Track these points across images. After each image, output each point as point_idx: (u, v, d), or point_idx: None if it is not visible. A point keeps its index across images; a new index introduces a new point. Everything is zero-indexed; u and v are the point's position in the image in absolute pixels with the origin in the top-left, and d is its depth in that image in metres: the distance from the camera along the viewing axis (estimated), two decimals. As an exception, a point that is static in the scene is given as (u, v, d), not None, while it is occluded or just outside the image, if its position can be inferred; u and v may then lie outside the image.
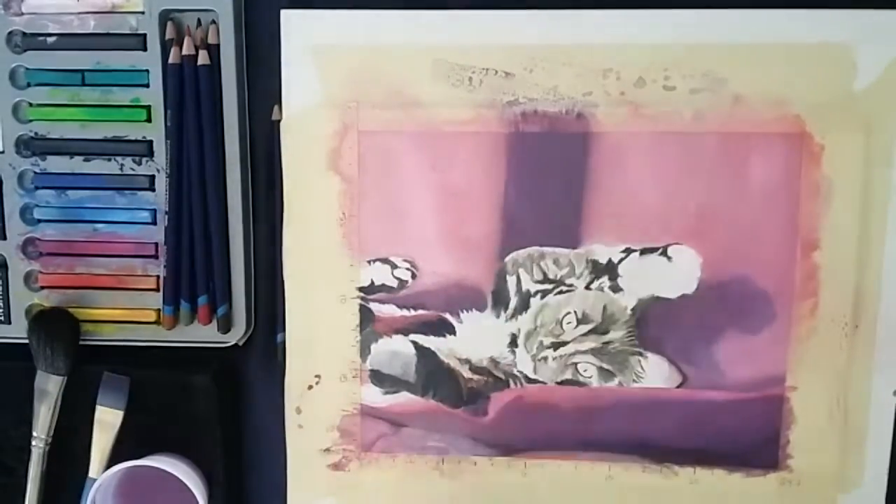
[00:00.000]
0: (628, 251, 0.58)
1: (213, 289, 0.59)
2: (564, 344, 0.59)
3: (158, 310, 0.60)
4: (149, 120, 0.58)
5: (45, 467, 0.60)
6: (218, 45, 0.57)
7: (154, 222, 0.60)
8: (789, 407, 0.59)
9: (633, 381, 0.60)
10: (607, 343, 0.59)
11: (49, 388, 0.60)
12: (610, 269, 0.58)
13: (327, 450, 0.62)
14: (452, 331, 0.60)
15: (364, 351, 0.60)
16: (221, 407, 0.61)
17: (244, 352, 0.62)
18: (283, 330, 0.60)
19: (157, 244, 0.60)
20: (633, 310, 0.59)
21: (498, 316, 0.60)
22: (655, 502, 0.61)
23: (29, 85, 0.59)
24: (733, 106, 0.56)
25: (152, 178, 0.59)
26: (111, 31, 0.58)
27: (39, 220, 0.60)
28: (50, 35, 0.58)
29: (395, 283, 0.60)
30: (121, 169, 0.59)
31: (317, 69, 0.58)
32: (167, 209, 0.58)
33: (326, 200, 0.59)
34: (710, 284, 0.58)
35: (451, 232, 0.59)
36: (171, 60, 0.57)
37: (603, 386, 0.60)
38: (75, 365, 0.60)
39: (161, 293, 0.60)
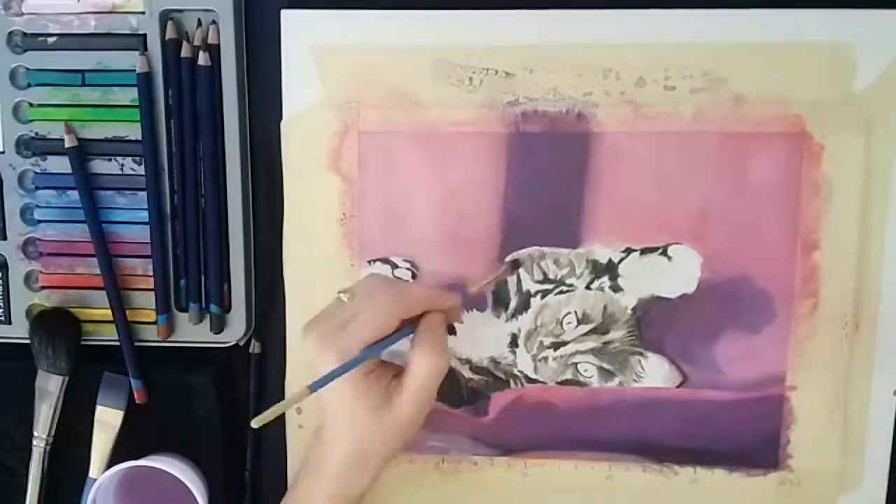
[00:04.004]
0: (628, 251, 0.58)
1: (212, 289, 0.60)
2: (565, 344, 0.59)
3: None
4: (149, 120, 0.59)
5: (45, 467, 0.60)
6: (218, 46, 0.57)
7: (154, 222, 0.60)
8: (789, 407, 0.59)
9: (634, 380, 0.60)
10: (607, 343, 0.59)
11: (50, 387, 0.60)
12: (610, 269, 0.58)
13: (327, 450, 0.62)
14: (453, 331, 0.60)
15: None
16: (221, 407, 0.61)
17: (244, 352, 0.62)
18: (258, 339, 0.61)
19: (157, 244, 0.60)
20: (633, 310, 0.59)
21: (498, 316, 0.60)
22: (655, 502, 0.61)
23: (29, 85, 0.59)
24: (733, 106, 0.56)
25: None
26: (111, 32, 0.58)
27: (40, 221, 0.60)
28: (50, 35, 0.58)
29: (395, 283, 0.60)
30: (121, 169, 0.59)
31: (317, 69, 0.58)
32: (154, 214, 0.59)
33: (326, 200, 0.59)
34: (710, 284, 0.58)
35: (452, 232, 0.59)
36: (173, 63, 0.57)
37: (603, 386, 0.60)
38: (76, 365, 0.60)
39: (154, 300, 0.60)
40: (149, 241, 0.59)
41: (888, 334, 0.58)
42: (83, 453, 0.60)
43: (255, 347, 0.61)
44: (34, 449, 0.60)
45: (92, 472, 0.60)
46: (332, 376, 0.48)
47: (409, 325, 0.51)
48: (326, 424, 0.53)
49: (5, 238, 0.60)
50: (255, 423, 0.46)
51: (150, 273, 0.59)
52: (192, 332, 0.60)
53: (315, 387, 0.47)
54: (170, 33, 0.57)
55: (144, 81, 0.57)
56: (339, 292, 0.52)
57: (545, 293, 0.59)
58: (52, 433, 0.60)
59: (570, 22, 0.56)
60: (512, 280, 0.59)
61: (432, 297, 0.53)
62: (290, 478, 0.62)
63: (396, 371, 0.53)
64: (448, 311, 0.54)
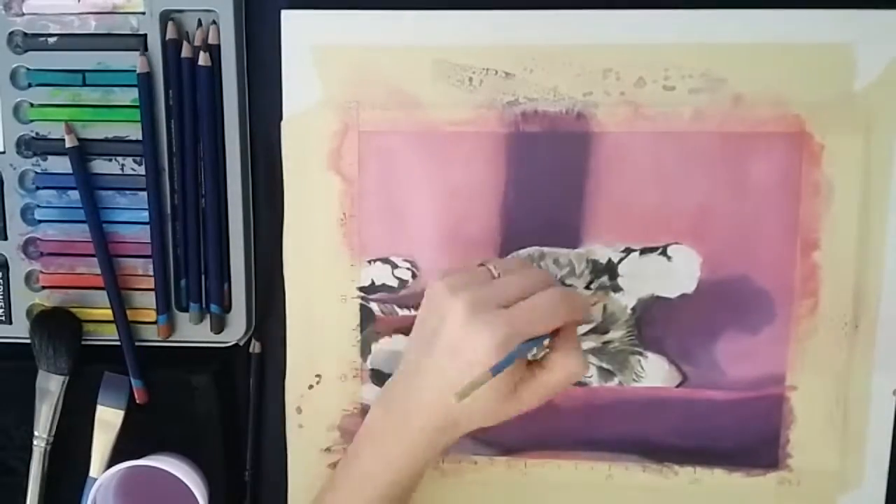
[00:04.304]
0: (628, 251, 0.58)
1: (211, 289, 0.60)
2: (565, 344, 0.59)
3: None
4: (149, 120, 0.59)
5: (46, 467, 0.61)
6: (218, 46, 0.57)
7: (155, 222, 0.60)
8: (789, 406, 0.59)
9: (633, 380, 0.60)
10: (607, 343, 0.59)
11: (51, 387, 0.60)
12: (610, 269, 0.58)
13: (328, 449, 0.62)
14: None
15: (364, 350, 0.61)
16: (221, 407, 0.61)
17: (244, 352, 0.62)
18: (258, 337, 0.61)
19: (157, 244, 0.60)
20: (633, 309, 0.59)
21: (498, 316, 0.59)
22: (655, 502, 0.61)
23: (30, 85, 0.59)
24: (733, 106, 0.56)
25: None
26: (112, 32, 0.58)
27: (40, 221, 0.60)
28: (51, 35, 0.58)
29: (395, 283, 0.60)
30: (121, 169, 0.59)
31: (317, 69, 0.58)
32: (154, 214, 0.59)
33: (326, 200, 0.59)
34: (709, 284, 0.58)
35: (452, 232, 0.59)
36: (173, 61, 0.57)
37: (603, 385, 0.60)
38: (77, 365, 0.60)
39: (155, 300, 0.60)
40: (149, 241, 0.59)
41: (888, 334, 0.58)
42: (83, 453, 0.60)
43: (255, 347, 0.61)
44: (34, 449, 0.60)
45: (92, 472, 0.60)
46: (509, 360, 0.47)
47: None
48: (424, 388, 0.51)
49: (6, 238, 0.60)
50: (456, 399, 0.45)
51: (151, 273, 0.60)
52: (192, 332, 0.60)
53: (496, 370, 0.46)
54: (170, 33, 0.57)
55: (145, 81, 0.57)
56: (485, 263, 0.52)
57: (545, 293, 0.59)
58: (53, 433, 0.60)
59: (570, 22, 0.56)
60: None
61: (587, 307, 0.54)
62: (291, 477, 0.62)
63: (528, 364, 0.52)
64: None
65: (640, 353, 0.59)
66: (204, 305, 0.60)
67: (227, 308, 0.60)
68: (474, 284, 0.50)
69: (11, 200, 0.60)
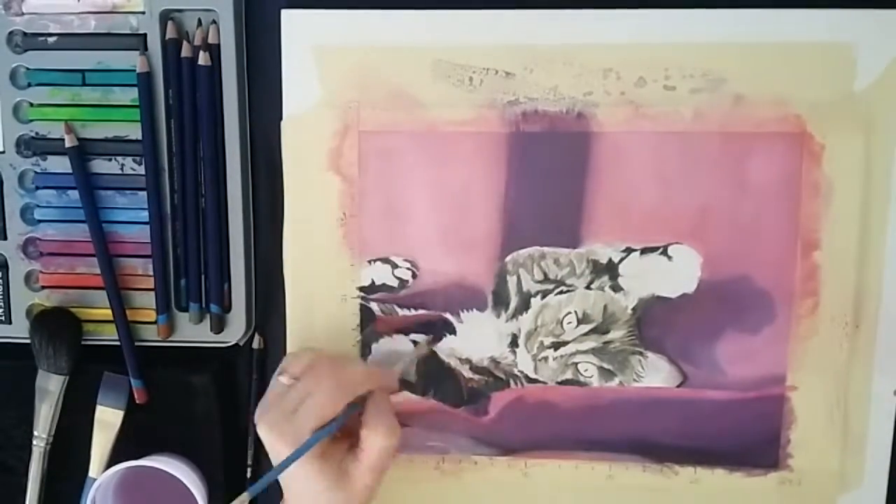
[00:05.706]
0: (629, 251, 0.58)
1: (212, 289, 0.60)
2: (565, 344, 0.59)
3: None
4: (149, 120, 0.58)
5: (45, 466, 0.61)
6: (218, 46, 0.57)
7: (154, 222, 0.60)
8: (790, 406, 0.59)
9: (634, 380, 0.60)
10: (608, 343, 0.59)
11: (50, 387, 0.60)
12: (610, 269, 0.58)
13: (328, 450, 0.62)
14: (453, 330, 0.60)
15: (364, 350, 0.61)
16: (221, 407, 0.61)
17: (244, 352, 0.62)
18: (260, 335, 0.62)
19: (156, 244, 0.60)
20: (633, 309, 0.59)
21: (498, 316, 0.60)
22: (656, 502, 0.61)
23: (29, 85, 0.59)
24: (733, 106, 0.56)
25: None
26: (112, 31, 0.58)
27: (40, 220, 0.60)
28: (50, 35, 0.58)
29: (395, 283, 0.60)
30: (121, 169, 0.59)
31: (317, 69, 0.58)
32: (154, 214, 0.59)
33: (326, 200, 0.59)
34: (710, 284, 0.58)
35: (452, 232, 0.59)
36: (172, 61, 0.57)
37: (603, 386, 0.60)
38: (76, 365, 0.60)
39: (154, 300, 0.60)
40: (149, 240, 0.59)
41: (888, 334, 0.58)
42: (83, 453, 0.60)
43: (257, 343, 0.61)
44: (34, 448, 0.60)
45: (92, 472, 0.60)
46: (284, 465, 0.50)
47: (354, 404, 0.53)
48: (290, 500, 0.54)
49: (5, 238, 0.60)
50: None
51: (151, 273, 0.59)
52: (192, 331, 0.60)
53: (284, 465, 0.50)
54: (170, 33, 0.57)
55: (144, 81, 0.57)
56: (279, 375, 0.54)
57: (545, 293, 0.59)
58: (52, 433, 0.60)
59: (570, 22, 0.56)
60: (512, 280, 0.59)
61: (372, 377, 0.55)
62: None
63: (350, 444, 0.54)
64: (389, 386, 0.58)
65: (641, 353, 0.59)
66: (204, 305, 0.60)
67: (227, 308, 0.60)
68: (269, 405, 0.53)
69: (11, 200, 0.60)
